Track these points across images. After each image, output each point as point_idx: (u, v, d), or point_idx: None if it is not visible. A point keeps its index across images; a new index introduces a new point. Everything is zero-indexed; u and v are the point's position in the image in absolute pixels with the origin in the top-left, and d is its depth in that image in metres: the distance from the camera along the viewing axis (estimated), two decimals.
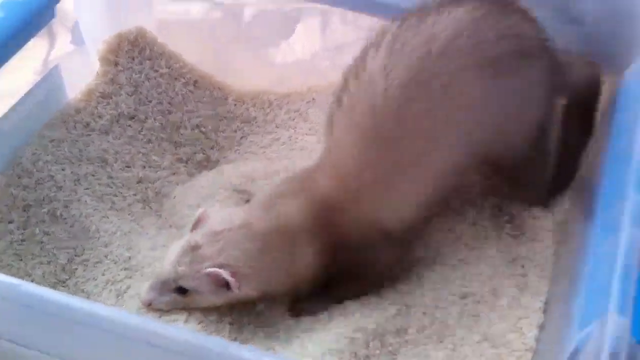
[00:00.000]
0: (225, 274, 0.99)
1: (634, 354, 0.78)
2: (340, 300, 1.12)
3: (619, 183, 0.93)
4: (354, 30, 1.49)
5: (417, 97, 1.03)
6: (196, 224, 1.07)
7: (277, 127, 1.46)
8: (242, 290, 1.02)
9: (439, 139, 1.06)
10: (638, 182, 0.90)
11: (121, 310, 1.06)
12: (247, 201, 1.25)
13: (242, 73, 1.53)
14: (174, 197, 1.31)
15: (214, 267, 1.00)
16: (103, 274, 1.16)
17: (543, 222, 1.21)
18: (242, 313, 1.09)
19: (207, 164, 1.39)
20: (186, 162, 1.38)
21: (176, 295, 1.04)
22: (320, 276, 1.09)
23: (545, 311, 1.08)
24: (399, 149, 1.05)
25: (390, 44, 1.05)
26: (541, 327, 1.06)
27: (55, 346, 0.88)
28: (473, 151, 1.08)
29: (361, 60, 1.09)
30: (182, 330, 0.96)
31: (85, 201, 1.26)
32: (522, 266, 1.15)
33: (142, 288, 1.07)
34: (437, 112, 1.04)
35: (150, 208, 1.30)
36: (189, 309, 1.05)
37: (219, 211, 1.14)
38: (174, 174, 1.36)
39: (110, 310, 0.87)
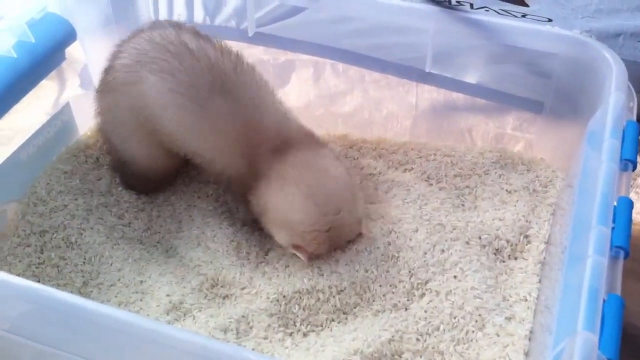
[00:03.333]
0: None
1: None
2: None
3: (586, 217, 1.01)
4: (346, 81, 1.61)
5: None
6: None
7: None
8: None
9: None
10: (601, 215, 0.98)
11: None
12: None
13: None
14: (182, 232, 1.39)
15: None
16: (116, 296, 1.24)
17: (529, 256, 1.28)
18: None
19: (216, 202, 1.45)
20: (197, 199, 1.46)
21: None
22: None
23: (530, 339, 1.13)
24: None
25: None
26: (527, 354, 1.11)
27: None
28: None
29: None
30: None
31: (98, 229, 1.34)
32: (509, 297, 1.20)
33: None
34: None
35: (160, 237, 1.38)
36: None
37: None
38: (184, 210, 1.43)
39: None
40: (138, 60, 1.29)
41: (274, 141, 1.26)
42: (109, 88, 1.35)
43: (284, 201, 1.22)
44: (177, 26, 1.31)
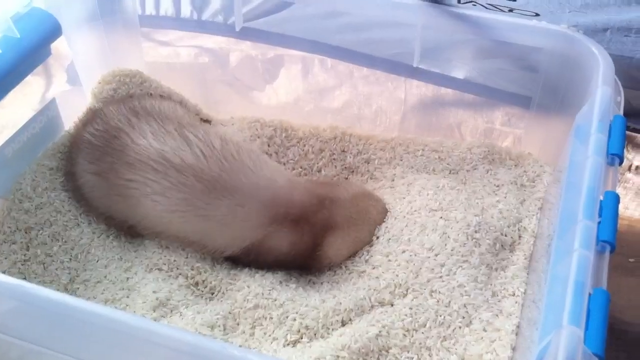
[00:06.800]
0: None
1: None
2: None
3: (572, 212, 1.01)
4: (335, 77, 1.61)
5: None
6: None
7: None
8: None
9: None
10: (587, 210, 0.98)
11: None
12: None
13: (229, 114, 1.63)
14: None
15: None
16: (102, 293, 1.23)
17: (515, 251, 1.28)
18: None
19: None
20: None
21: None
22: None
23: (517, 334, 1.14)
24: None
25: None
26: (514, 349, 1.12)
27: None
28: None
29: None
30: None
31: (84, 226, 1.33)
32: (498, 292, 1.21)
33: None
34: None
35: (147, 234, 1.35)
36: None
37: None
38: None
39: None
40: (131, 179, 1.26)
41: (303, 199, 1.29)
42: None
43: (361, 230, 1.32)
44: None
